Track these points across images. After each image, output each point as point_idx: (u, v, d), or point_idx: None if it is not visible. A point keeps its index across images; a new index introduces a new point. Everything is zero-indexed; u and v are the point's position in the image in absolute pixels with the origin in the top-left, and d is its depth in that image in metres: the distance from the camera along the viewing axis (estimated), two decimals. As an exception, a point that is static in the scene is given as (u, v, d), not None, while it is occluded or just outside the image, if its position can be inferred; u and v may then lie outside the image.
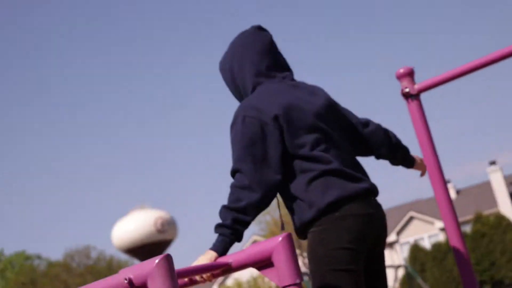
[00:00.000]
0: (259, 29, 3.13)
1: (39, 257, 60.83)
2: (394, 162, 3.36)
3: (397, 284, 36.95)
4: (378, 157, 3.31)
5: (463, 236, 3.44)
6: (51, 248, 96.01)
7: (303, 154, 2.82)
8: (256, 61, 2.99)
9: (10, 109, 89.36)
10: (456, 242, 3.43)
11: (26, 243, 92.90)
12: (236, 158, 2.81)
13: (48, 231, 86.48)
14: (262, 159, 2.74)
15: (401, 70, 3.51)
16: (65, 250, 52.43)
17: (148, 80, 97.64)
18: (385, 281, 3.00)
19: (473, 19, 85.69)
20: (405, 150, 3.35)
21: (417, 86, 3.48)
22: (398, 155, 3.31)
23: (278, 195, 2.85)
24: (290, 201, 2.92)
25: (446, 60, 73.27)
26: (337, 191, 2.79)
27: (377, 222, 2.91)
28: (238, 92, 3.11)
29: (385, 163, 3.31)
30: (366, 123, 3.21)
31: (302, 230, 2.88)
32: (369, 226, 2.84)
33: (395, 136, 3.29)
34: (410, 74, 3.50)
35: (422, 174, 3.52)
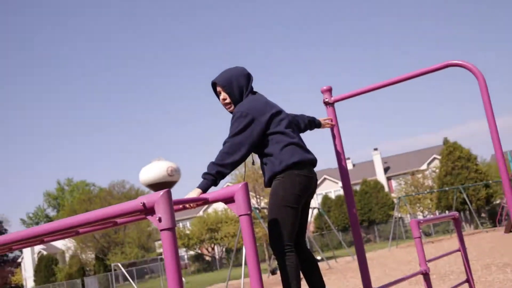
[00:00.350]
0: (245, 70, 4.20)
1: (93, 184, 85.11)
2: (311, 129, 4.46)
3: (312, 219, 48.44)
4: (304, 131, 4.38)
5: (353, 192, 4.42)
6: (102, 179, 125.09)
7: (279, 130, 3.89)
8: (246, 84, 4.07)
9: None
10: (349, 196, 4.29)
11: (86, 174, 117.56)
12: (230, 135, 3.77)
13: (100, 167, 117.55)
14: (245, 140, 3.73)
15: (324, 87, 4.26)
16: (110, 181, 70.29)
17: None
18: (307, 217, 4.18)
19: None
20: (314, 122, 4.42)
21: (333, 98, 4.24)
22: (313, 126, 4.43)
23: (246, 161, 3.85)
24: (267, 160, 3.91)
25: (356, 80, 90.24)
26: (299, 156, 3.86)
27: (314, 182, 4.01)
28: (234, 97, 4.01)
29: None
30: (295, 114, 4.37)
31: (271, 178, 3.88)
32: (310, 184, 3.94)
33: (307, 117, 4.39)
34: (329, 90, 4.25)
35: (329, 127, 4.44)
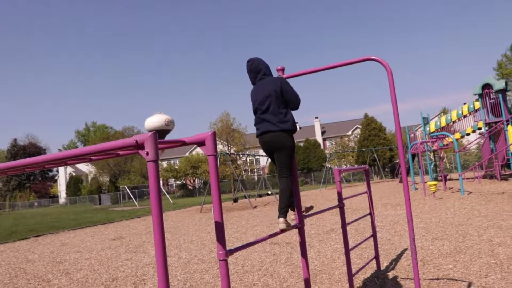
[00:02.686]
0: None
1: (111, 127, 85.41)
2: None
3: (267, 164, 49.14)
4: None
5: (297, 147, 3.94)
6: (117, 124, 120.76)
7: None
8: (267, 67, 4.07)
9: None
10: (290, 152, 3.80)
11: (106, 119, 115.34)
12: (293, 91, 3.87)
13: (116, 115, 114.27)
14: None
15: (278, 67, 4.11)
16: (123, 127, 67.38)
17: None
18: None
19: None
20: None
21: (284, 75, 4.05)
22: None
23: None
24: (290, 117, 3.90)
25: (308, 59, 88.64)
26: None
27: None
28: (258, 74, 3.99)
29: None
30: None
31: (289, 129, 3.87)
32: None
33: None
34: (282, 69, 4.10)
35: None
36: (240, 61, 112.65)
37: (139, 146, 2.09)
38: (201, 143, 2.52)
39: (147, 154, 2.05)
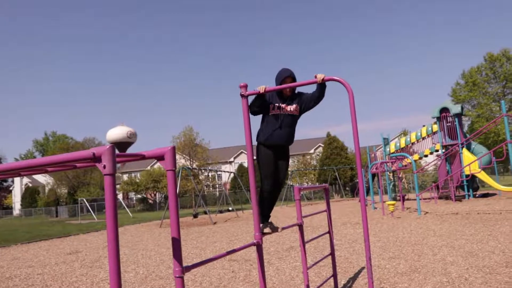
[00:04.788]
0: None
1: (72, 138, 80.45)
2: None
3: (229, 180, 48.95)
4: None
5: (255, 164, 4.05)
6: (78, 134, 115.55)
7: None
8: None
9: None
10: (251, 165, 5.31)
11: (66, 129, 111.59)
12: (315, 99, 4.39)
13: (78, 125, 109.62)
14: None
15: (241, 84, 4.06)
16: (84, 137, 65.40)
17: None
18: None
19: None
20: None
21: (247, 92, 4.05)
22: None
23: None
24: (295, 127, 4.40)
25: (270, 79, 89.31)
26: None
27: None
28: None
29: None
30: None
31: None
32: None
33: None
34: (245, 86, 4.06)
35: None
36: (205, 75, 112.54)
37: (97, 159, 2.03)
38: (160, 158, 2.46)
39: (104, 167, 2.00)
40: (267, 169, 4.47)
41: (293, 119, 4.40)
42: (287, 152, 4.61)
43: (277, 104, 4.35)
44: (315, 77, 3.92)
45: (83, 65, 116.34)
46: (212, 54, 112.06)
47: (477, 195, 22.99)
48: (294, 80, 4.30)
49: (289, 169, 53.89)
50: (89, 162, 2.16)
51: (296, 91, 4.47)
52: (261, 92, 4.14)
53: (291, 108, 4.34)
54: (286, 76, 4.31)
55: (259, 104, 4.28)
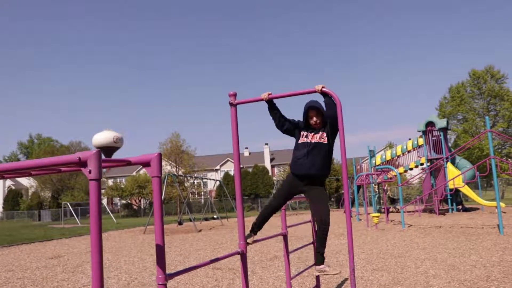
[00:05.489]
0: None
1: (57, 141, 79.69)
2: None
3: (214, 188, 48.67)
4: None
5: (241, 173, 4.17)
6: (64, 138, 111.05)
7: None
8: None
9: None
10: (238, 173, 4.14)
11: (52, 132, 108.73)
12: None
13: (64, 128, 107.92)
14: None
15: (231, 92, 4.07)
16: (70, 141, 64.62)
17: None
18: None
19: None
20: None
21: (236, 101, 4.08)
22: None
23: None
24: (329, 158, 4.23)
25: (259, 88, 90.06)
26: None
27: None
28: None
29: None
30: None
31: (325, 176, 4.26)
32: None
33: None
34: (234, 94, 4.08)
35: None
36: (193, 81, 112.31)
37: (82, 163, 2.01)
38: (146, 164, 2.44)
39: (90, 172, 1.98)
40: (278, 191, 4.52)
41: (321, 147, 4.17)
42: (319, 183, 4.25)
43: (305, 133, 4.26)
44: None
45: (70, 68, 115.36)
46: (200, 61, 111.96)
47: (460, 209, 23.22)
48: (318, 111, 4.18)
49: (275, 178, 54.16)
50: (75, 167, 2.14)
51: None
52: (264, 99, 4.11)
53: (318, 136, 4.19)
54: (309, 106, 4.24)
55: (273, 115, 4.30)
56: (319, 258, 4.05)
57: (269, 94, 4.10)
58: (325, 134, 4.16)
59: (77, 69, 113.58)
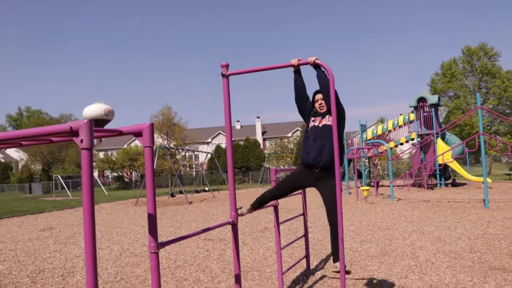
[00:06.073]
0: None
1: (46, 113, 79.00)
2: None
3: (206, 161, 48.83)
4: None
5: (233, 146, 4.26)
6: (54, 110, 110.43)
7: None
8: None
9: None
10: (230, 146, 5.05)
11: (41, 105, 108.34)
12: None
13: (54, 101, 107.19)
14: None
15: (223, 63, 4.03)
16: (60, 114, 64.45)
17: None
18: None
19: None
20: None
21: (228, 72, 4.03)
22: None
23: None
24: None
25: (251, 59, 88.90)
26: None
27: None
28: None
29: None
30: None
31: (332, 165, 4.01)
32: None
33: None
34: (226, 65, 4.04)
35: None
36: (185, 55, 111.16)
37: (74, 132, 2.02)
38: (138, 134, 2.46)
39: (82, 141, 2.00)
40: (283, 181, 4.44)
41: (330, 130, 4.05)
42: (329, 172, 4.11)
43: (312, 118, 4.26)
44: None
45: (59, 40, 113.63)
46: (191, 33, 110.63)
47: (450, 184, 23.52)
48: (324, 97, 4.14)
49: (266, 151, 54.24)
50: (66, 136, 2.16)
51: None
52: (294, 65, 4.01)
53: (325, 120, 4.17)
54: (315, 91, 4.27)
55: (300, 85, 4.22)
56: (337, 256, 4.00)
57: (298, 60, 3.99)
58: (331, 117, 4.05)
59: (65, 41, 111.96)
